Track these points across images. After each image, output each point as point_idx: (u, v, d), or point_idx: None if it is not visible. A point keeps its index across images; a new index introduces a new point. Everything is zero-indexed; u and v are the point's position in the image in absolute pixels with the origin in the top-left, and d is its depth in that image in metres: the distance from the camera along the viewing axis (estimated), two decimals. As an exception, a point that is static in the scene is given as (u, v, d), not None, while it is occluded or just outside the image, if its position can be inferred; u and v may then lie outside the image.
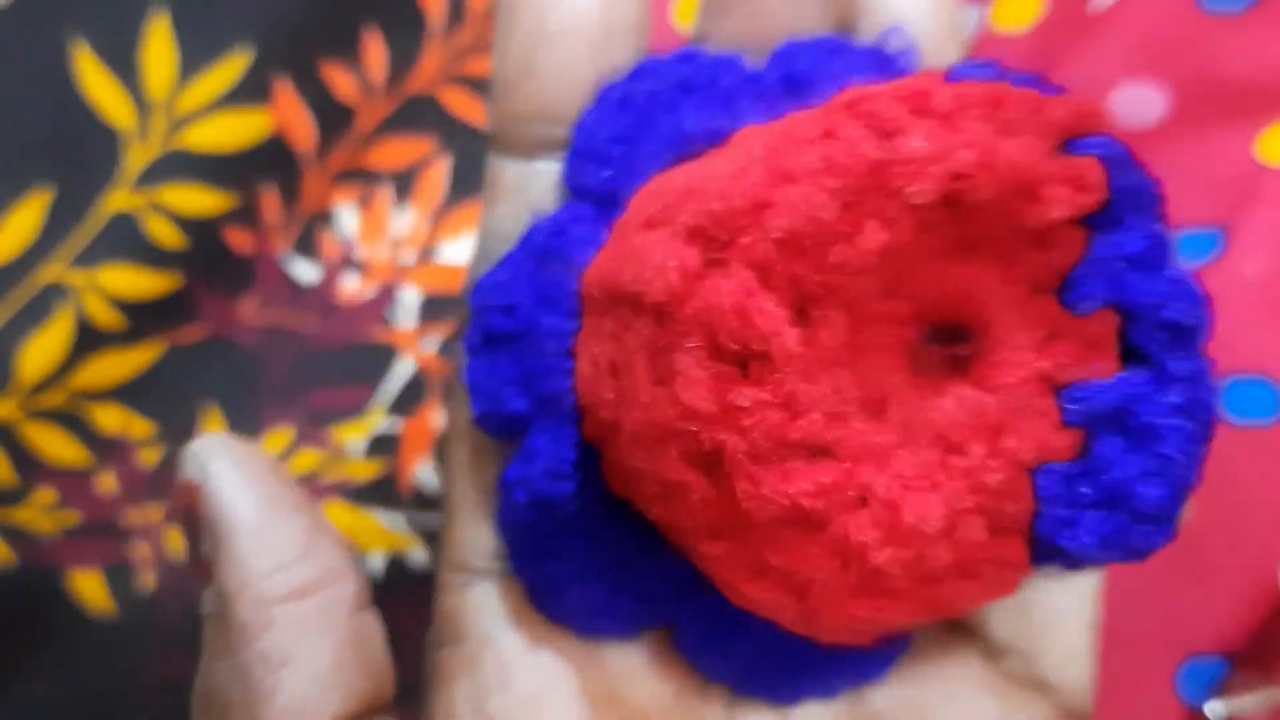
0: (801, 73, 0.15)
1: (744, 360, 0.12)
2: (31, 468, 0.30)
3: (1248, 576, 0.26)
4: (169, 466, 0.31)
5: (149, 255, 0.31)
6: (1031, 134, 0.12)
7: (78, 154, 0.31)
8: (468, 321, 0.15)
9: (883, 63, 0.15)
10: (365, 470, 0.31)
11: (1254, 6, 0.27)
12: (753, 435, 0.12)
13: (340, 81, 0.32)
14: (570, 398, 0.14)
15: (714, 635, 0.15)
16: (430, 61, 0.32)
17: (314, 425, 0.31)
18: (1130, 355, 0.13)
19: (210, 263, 0.31)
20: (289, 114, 0.31)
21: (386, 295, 0.31)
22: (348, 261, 0.32)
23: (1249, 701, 0.26)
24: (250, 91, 0.31)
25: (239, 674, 0.14)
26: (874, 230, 0.12)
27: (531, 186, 0.15)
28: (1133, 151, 0.13)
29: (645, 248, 0.13)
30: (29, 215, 0.30)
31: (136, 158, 0.31)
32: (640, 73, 0.15)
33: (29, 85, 0.31)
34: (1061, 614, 0.17)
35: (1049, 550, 0.13)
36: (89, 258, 0.30)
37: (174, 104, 0.31)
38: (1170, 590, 0.26)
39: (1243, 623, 0.26)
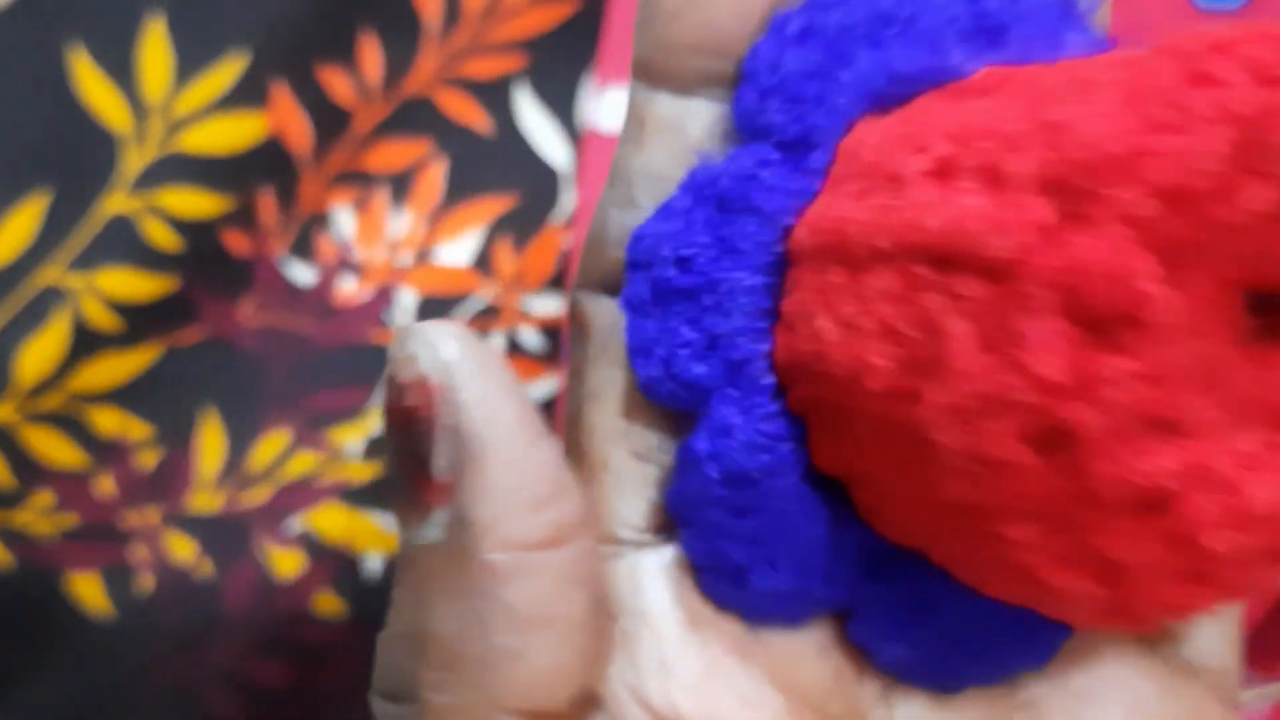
0: (994, 13, 0.14)
1: (1112, 331, 0.11)
2: (30, 470, 0.31)
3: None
4: (167, 469, 0.31)
5: (146, 258, 0.31)
6: None
7: (75, 157, 0.31)
8: (624, 273, 0.14)
9: (1066, 7, 0.14)
10: (363, 472, 0.31)
11: (1248, 5, 0.27)
12: (1116, 411, 0.11)
13: (337, 84, 0.32)
14: (765, 363, 0.13)
15: (892, 624, 0.14)
16: (426, 64, 0.32)
17: (312, 427, 0.31)
18: None
19: (208, 265, 0.31)
20: (285, 117, 0.31)
21: (384, 297, 0.32)
22: (345, 263, 0.32)
23: (1245, 697, 0.26)
24: (246, 95, 0.31)
25: (475, 623, 0.12)
26: (1257, 189, 0.11)
27: (689, 124, 0.14)
28: None
29: (959, 199, 0.12)
30: (27, 218, 0.30)
31: (134, 161, 0.31)
32: (823, 1, 0.14)
33: (26, 89, 0.31)
34: None
35: None
36: (87, 261, 0.30)
37: (171, 107, 0.31)
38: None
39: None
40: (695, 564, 0.14)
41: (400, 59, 0.32)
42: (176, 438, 0.31)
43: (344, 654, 0.31)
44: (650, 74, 0.14)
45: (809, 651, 0.14)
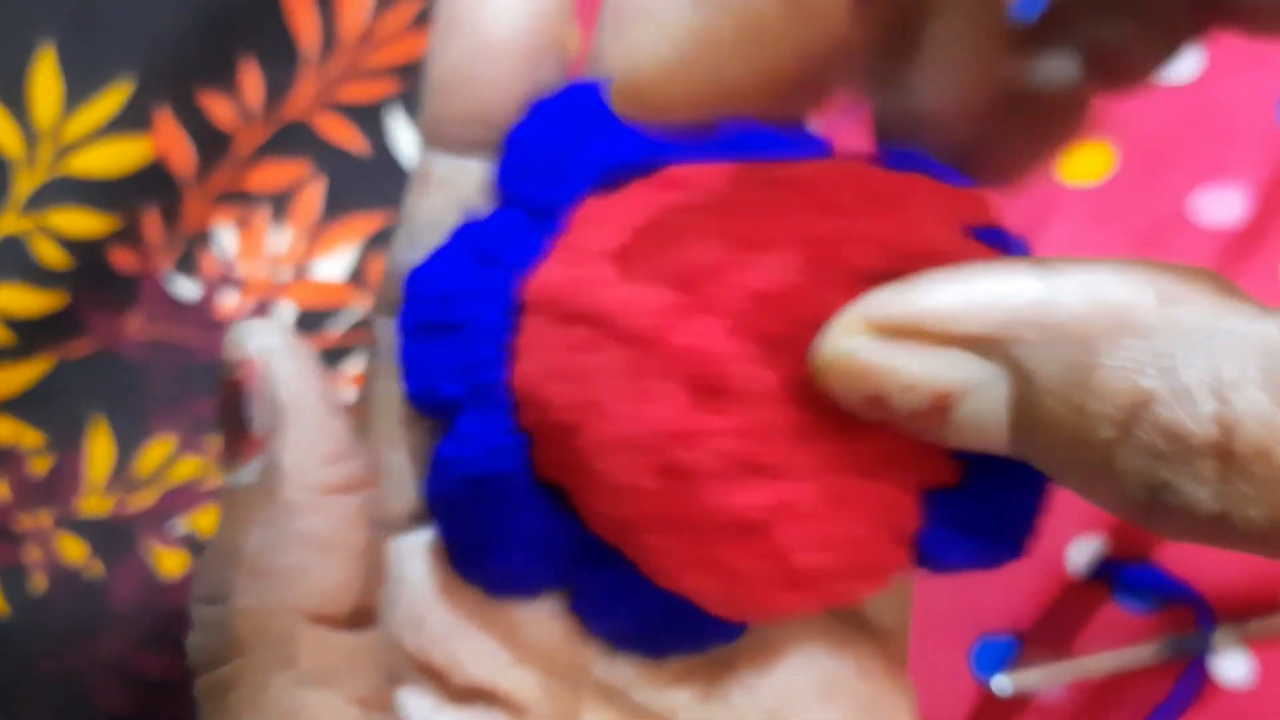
0: None
1: (712, 394, 0.14)
2: (-74, 477, 0.32)
3: (1037, 561, 0.28)
4: (59, 474, 0.33)
5: (37, 275, 0.32)
6: (942, 221, 0.15)
7: (-32, 180, 0.32)
8: (401, 303, 0.17)
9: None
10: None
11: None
12: (714, 457, 0.14)
13: (218, 109, 0.34)
14: (504, 387, 0.16)
15: (604, 603, 0.17)
16: (305, 89, 0.34)
17: (196, 433, 0.33)
18: None
19: (96, 281, 0.33)
20: (169, 140, 0.33)
21: (263, 311, 0.33)
22: (227, 279, 0.34)
23: (1034, 676, 0.28)
24: (132, 120, 0.33)
25: (278, 544, 0.15)
26: (832, 297, 0.14)
27: (460, 181, 0.17)
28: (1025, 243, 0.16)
29: (620, 283, 0.15)
30: (-79, 239, 0.32)
31: (24, 184, 0.33)
32: (573, 93, 0.17)
33: (-79, 116, 0.32)
34: None
35: (931, 563, 0.16)
36: (-22, 278, 0.32)
37: (60, 132, 0.33)
38: (962, 575, 0.28)
39: (1032, 604, 0.28)
40: (445, 544, 0.17)
41: (280, 84, 0.34)
42: (67, 444, 0.33)
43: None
44: (430, 136, 0.17)
45: (541, 617, 0.17)
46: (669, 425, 0.14)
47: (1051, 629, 0.28)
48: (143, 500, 0.33)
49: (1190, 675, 0.28)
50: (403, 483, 0.17)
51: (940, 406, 0.13)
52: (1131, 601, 0.29)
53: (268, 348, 0.16)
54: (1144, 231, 0.28)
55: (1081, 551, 0.28)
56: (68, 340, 0.33)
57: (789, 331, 0.14)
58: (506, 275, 0.16)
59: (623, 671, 0.17)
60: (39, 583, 0.33)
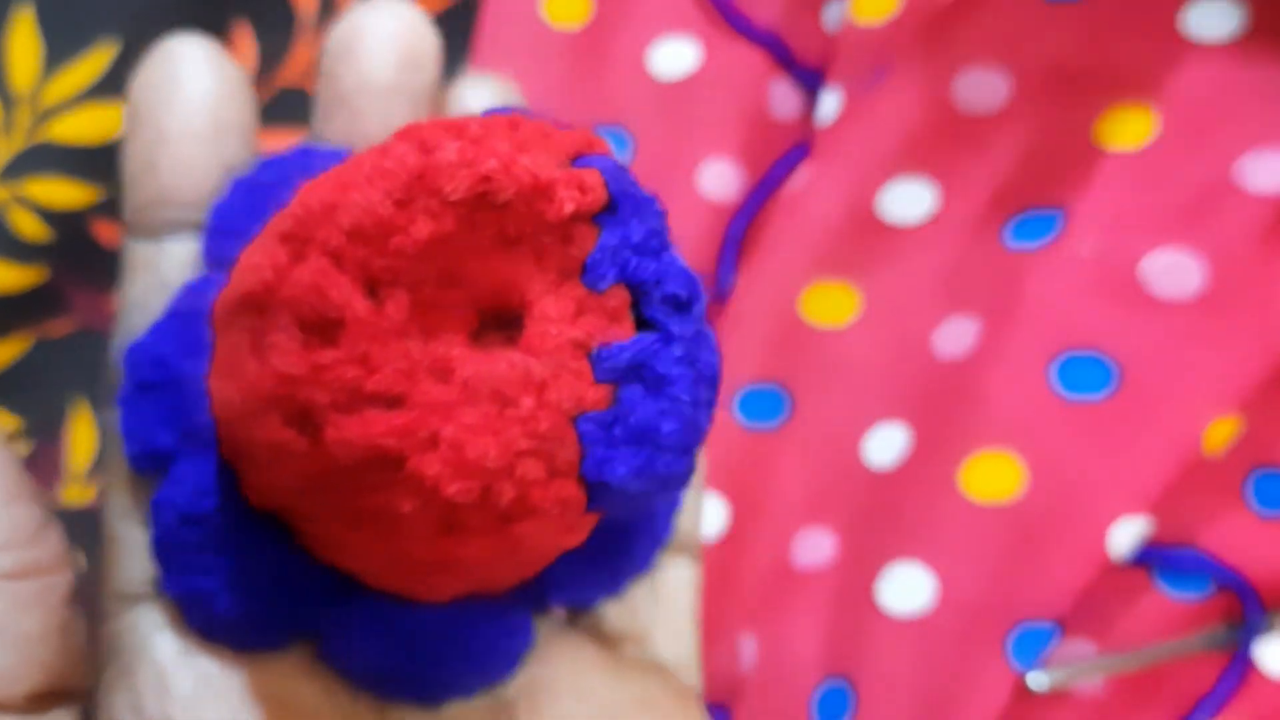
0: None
1: (325, 330, 0.14)
2: (-107, 463, 0.30)
3: (1076, 545, 0.26)
4: (37, 462, 0.31)
5: (14, 249, 0.30)
6: (544, 151, 0.15)
7: (-60, 147, 0.30)
8: (120, 381, 0.17)
9: (624, 170, 0.17)
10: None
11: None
12: (334, 389, 0.14)
13: (209, 74, 0.32)
14: (210, 431, 0.17)
15: (356, 645, 0.17)
16: (302, 55, 0.32)
17: (184, 417, 0.31)
18: (644, 324, 0.16)
19: (77, 256, 0.31)
20: (156, 107, 0.31)
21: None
22: (218, 253, 0.32)
23: (1073, 671, 0.26)
24: (117, 84, 0.31)
25: None
26: (422, 222, 0.15)
27: (161, 263, 0.18)
28: (627, 169, 0.16)
29: (247, 255, 0.16)
30: (-111, 209, 0.30)
31: (1, 151, 0.31)
32: (264, 166, 0.18)
33: (-110, 79, 0.30)
34: (665, 605, 0.19)
35: (598, 487, 0.15)
36: (-49, 251, 0.30)
37: (39, 97, 0.31)
38: (1001, 559, 0.27)
39: (1071, 590, 0.26)
40: (175, 599, 0.17)
41: (275, 49, 0.32)
42: (47, 430, 0.31)
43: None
44: (130, 226, 0.18)
45: (294, 671, 0.17)
46: (287, 369, 0.14)
47: (1092, 616, 0.27)
48: (127, 488, 0.31)
49: (1235, 666, 0.27)
50: (137, 553, 0.17)
51: None
52: (1176, 587, 0.28)
53: None
54: (1189, 198, 0.27)
55: (1124, 534, 0.27)
56: (47, 318, 0.31)
57: (392, 262, 0.15)
58: (207, 328, 0.17)
59: None
60: (15, 576, 0.31)
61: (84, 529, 0.31)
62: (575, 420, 0.15)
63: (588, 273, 0.15)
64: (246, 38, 0.32)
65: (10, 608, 0.15)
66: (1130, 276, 0.27)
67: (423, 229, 0.14)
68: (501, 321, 0.16)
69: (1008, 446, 0.28)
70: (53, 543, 0.16)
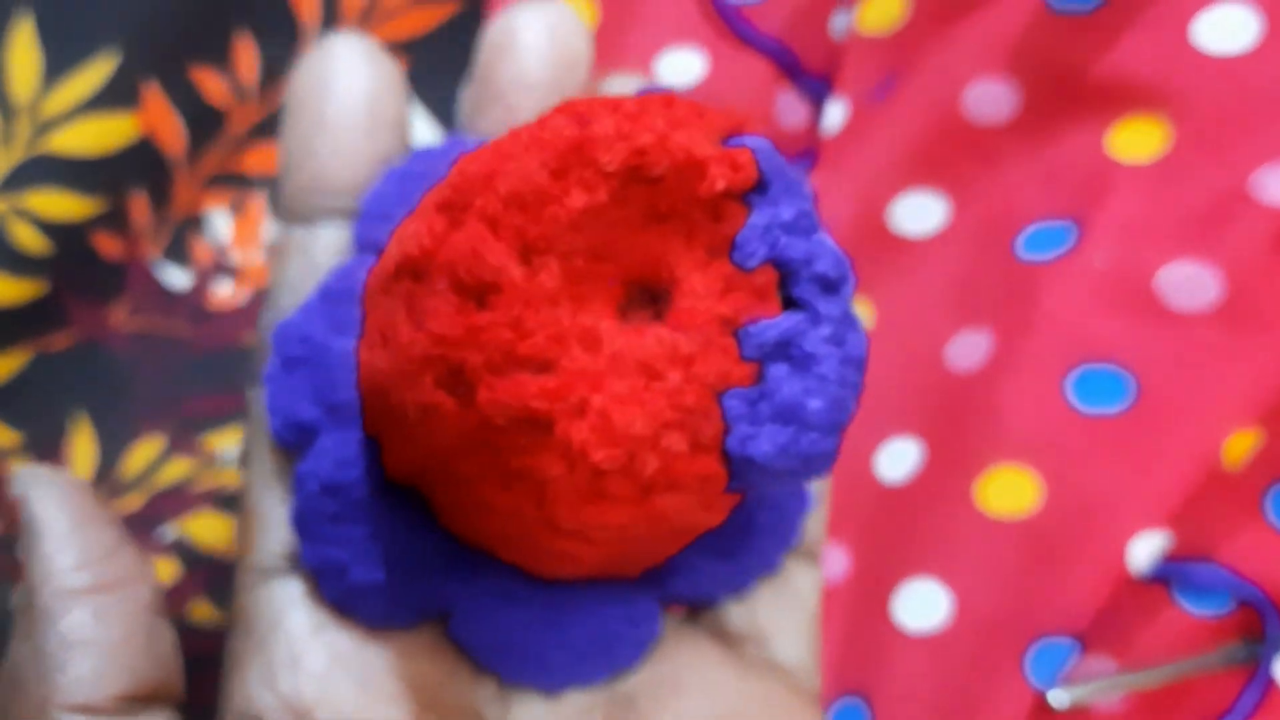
0: None
1: (481, 294, 0.15)
2: (-110, 480, 0.30)
3: (1095, 560, 0.26)
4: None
5: (14, 261, 0.30)
6: (698, 129, 0.15)
7: (-62, 159, 0.30)
8: (266, 359, 0.18)
9: (775, 151, 0.17)
10: (238, 477, 0.30)
11: (1102, 6, 0.28)
12: (489, 351, 0.14)
13: (210, 85, 0.31)
14: (354, 406, 0.17)
15: (484, 623, 0.17)
16: (304, 65, 0.32)
17: (186, 433, 0.31)
18: (791, 304, 0.16)
19: (78, 269, 0.31)
20: (158, 118, 0.31)
21: (259, 301, 0.31)
22: (220, 267, 0.31)
23: (1091, 689, 0.26)
24: (118, 95, 0.31)
25: (37, 654, 0.16)
26: (577, 192, 0.15)
27: (314, 247, 0.18)
28: (779, 147, 0.16)
29: (405, 225, 0.16)
30: (-114, 222, 0.30)
31: (0, 163, 0.30)
32: (416, 157, 0.19)
33: (-113, 90, 0.30)
34: (787, 608, 0.19)
35: (740, 463, 0.15)
36: (-50, 264, 0.30)
37: (38, 108, 0.31)
38: (1020, 573, 0.26)
39: (1090, 605, 0.26)
40: (312, 570, 0.17)
41: (277, 60, 0.32)
42: (46, 445, 0.31)
43: (220, 662, 0.30)
44: (284, 212, 0.19)
45: (421, 650, 0.17)
46: (443, 330, 0.15)
47: (1110, 632, 0.27)
48: (129, 504, 0.30)
49: (1256, 683, 0.27)
50: (276, 528, 0.18)
51: None
52: (1195, 603, 0.27)
53: (31, 486, 0.17)
54: (1204, 210, 0.27)
55: (1143, 548, 0.26)
56: (47, 332, 0.31)
57: (546, 231, 0.15)
58: (355, 307, 0.17)
59: (522, 710, 0.17)
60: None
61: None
62: (721, 396, 0.15)
63: (737, 250, 0.15)
64: (248, 49, 0.32)
65: (91, 620, 0.16)
66: (1146, 289, 0.27)
67: (577, 199, 0.15)
68: (650, 296, 0.16)
69: (1024, 461, 0.27)
70: (127, 559, 0.17)
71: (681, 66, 0.33)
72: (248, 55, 0.32)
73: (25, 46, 0.31)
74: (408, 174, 0.18)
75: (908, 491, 0.28)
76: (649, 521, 0.15)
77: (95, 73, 0.31)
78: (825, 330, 0.15)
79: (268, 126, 0.32)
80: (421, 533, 0.17)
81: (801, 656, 0.19)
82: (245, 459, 0.19)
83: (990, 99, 0.29)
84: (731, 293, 0.15)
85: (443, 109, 0.32)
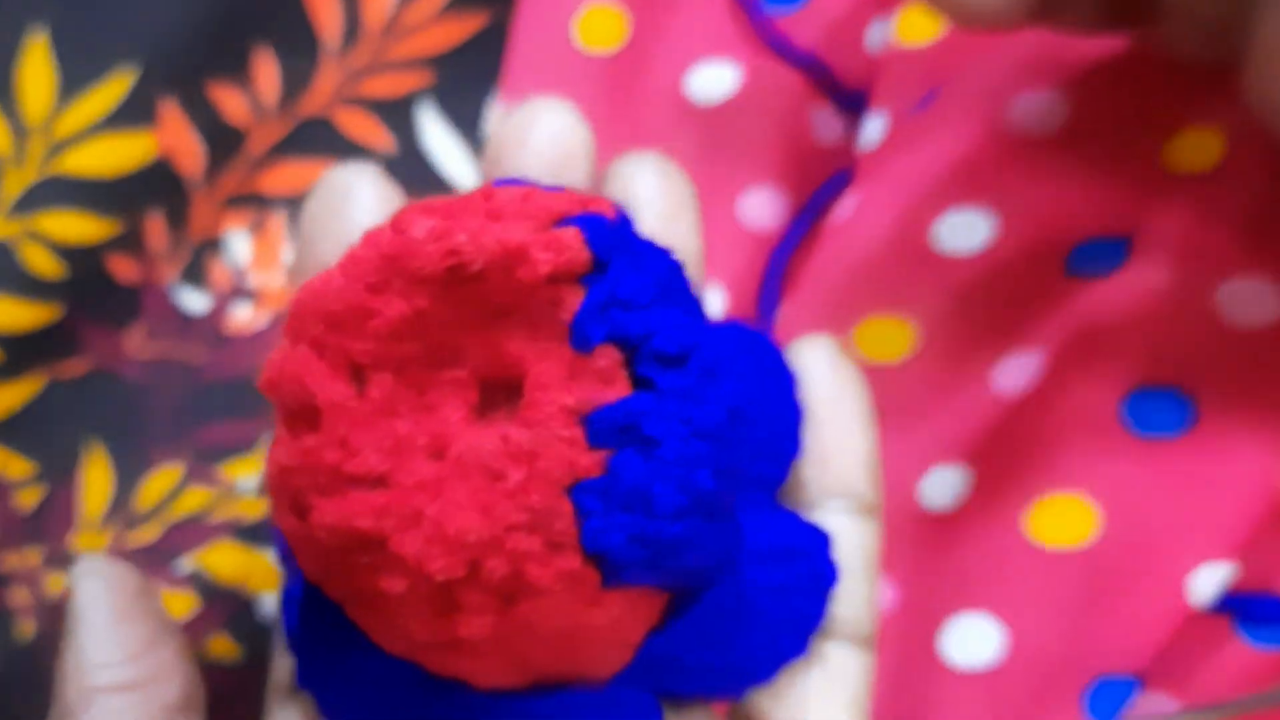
0: None
1: (308, 417, 0.15)
2: (-101, 512, 0.29)
3: (1155, 593, 0.25)
4: (50, 508, 0.30)
5: (26, 285, 0.29)
6: (520, 217, 0.15)
7: (-50, 181, 0.29)
8: None
9: (619, 227, 0.16)
10: (257, 508, 0.29)
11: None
12: (315, 473, 0.14)
13: (230, 103, 0.31)
14: None
15: None
16: (325, 83, 0.31)
17: (204, 462, 0.30)
18: (641, 383, 0.15)
19: (93, 293, 0.30)
20: (175, 137, 0.30)
21: (279, 325, 0.30)
22: (239, 290, 0.30)
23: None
24: (134, 113, 0.30)
25: None
26: (396, 303, 0.15)
27: None
28: (627, 219, 0.16)
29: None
30: (-104, 245, 0.29)
31: (12, 184, 0.29)
32: None
33: (-102, 110, 0.29)
34: (828, 700, 0.18)
35: (601, 560, 0.14)
36: (-39, 289, 0.29)
37: (52, 127, 0.30)
38: (1078, 608, 0.25)
39: (1151, 640, 0.25)
40: (307, 690, 0.18)
41: (298, 76, 0.31)
42: (60, 475, 0.30)
43: (240, 700, 0.29)
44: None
45: None
46: (279, 458, 0.15)
47: (1171, 668, 0.25)
48: (144, 536, 0.29)
49: (1323, 719, 0.25)
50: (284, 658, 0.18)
51: None
52: (1258, 638, 0.26)
53: (81, 578, 0.18)
54: (1265, 223, 0.26)
55: (1206, 580, 0.25)
56: (61, 358, 0.30)
57: (371, 346, 0.15)
58: None
59: None
60: (26, 629, 0.29)
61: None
62: (570, 490, 0.14)
63: (575, 334, 0.15)
64: (268, 65, 0.31)
65: (115, 716, 0.17)
66: (1205, 306, 0.26)
67: (394, 309, 0.15)
68: (510, 393, 0.15)
69: (1078, 489, 0.26)
70: (161, 655, 0.18)
71: (714, 80, 0.32)
72: (268, 71, 0.31)
73: (39, 63, 0.30)
74: None
75: (954, 521, 0.27)
76: (522, 630, 0.15)
77: (111, 90, 0.30)
78: (669, 407, 0.15)
79: (288, 145, 0.31)
80: (371, 658, 0.17)
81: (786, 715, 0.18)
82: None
83: (1038, 110, 0.28)
84: (576, 379, 0.15)
85: (468, 125, 0.31)
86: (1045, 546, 0.26)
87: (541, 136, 0.19)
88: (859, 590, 0.19)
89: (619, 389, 0.15)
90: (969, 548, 0.27)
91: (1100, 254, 0.28)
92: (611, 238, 0.15)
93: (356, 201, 0.19)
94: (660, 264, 0.16)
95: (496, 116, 0.31)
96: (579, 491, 0.14)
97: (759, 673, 0.18)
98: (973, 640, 0.26)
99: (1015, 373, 0.28)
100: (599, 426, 0.15)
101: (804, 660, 0.18)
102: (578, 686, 0.17)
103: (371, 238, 0.15)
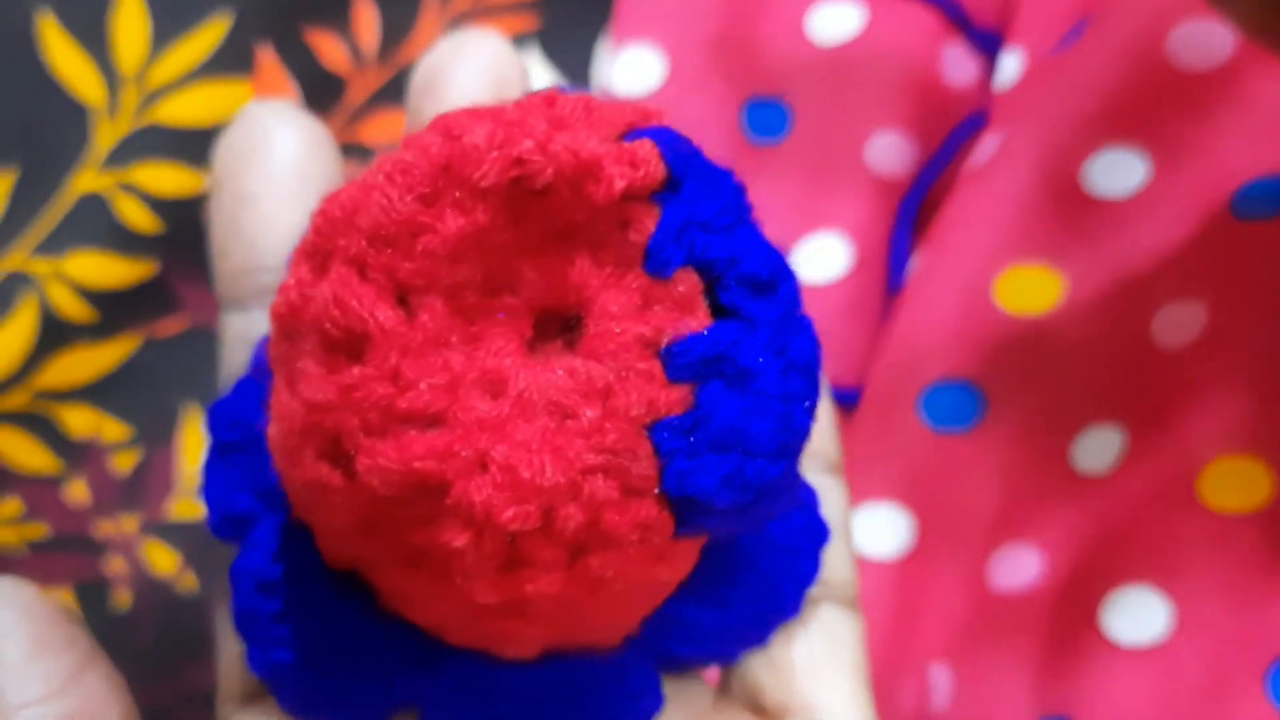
0: None
1: (352, 348, 0.13)
2: (-6, 475, 0.28)
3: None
4: (146, 472, 0.29)
5: (120, 240, 0.28)
6: (587, 127, 0.13)
7: (43, 132, 0.28)
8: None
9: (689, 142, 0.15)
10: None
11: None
12: (364, 410, 0.12)
13: (328, 49, 0.29)
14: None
15: (459, 713, 0.15)
16: (426, 28, 0.30)
17: (304, 423, 0.28)
18: (721, 312, 0.14)
19: (189, 248, 0.29)
20: (272, 84, 0.29)
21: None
22: (338, 244, 0.29)
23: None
24: (229, 61, 0.29)
25: None
26: (451, 217, 0.13)
27: (255, 333, 0.17)
28: (687, 136, 0.14)
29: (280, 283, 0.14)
30: (-11, 199, 0.28)
31: (105, 135, 0.28)
32: None
33: (-10, 60, 0.28)
34: (826, 666, 0.17)
35: (682, 505, 0.13)
36: (54, 244, 0.28)
37: (146, 76, 0.29)
38: (1253, 580, 0.23)
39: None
40: (262, 678, 0.15)
41: (398, 22, 0.30)
42: (156, 438, 0.29)
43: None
44: (223, 300, 0.17)
45: None
46: (314, 396, 0.13)
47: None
48: (243, 501, 0.28)
49: None
50: (234, 656, 0.16)
51: None
52: None
53: None
54: None
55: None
56: (156, 317, 0.29)
57: (422, 266, 0.13)
58: None
59: None
60: (122, 598, 0.28)
61: (199, 547, 0.28)
62: (650, 429, 0.13)
63: (650, 259, 0.14)
64: (368, 10, 0.29)
65: None
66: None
67: (452, 225, 0.13)
68: (563, 324, 0.14)
69: (1252, 450, 0.24)
70: (91, 688, 0.16)
71: (837, 19, 0.30)
72: (368, 17, 0.29)
73: (132, 11, 0.29)
74: None
75: (1111, 485, 0.25)
76: (586, 587, 0.13)
77: (206, 37, 0.29)
78: (762, 338, 0.13)
79: (389, 93, 0.29)
80: (372, 623, 0.15)
81: (783, 693, 0.17)
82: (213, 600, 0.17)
83: (1200, 41, 0.26)
84: (650, 308, 0.14)
85: (575, 70, 0.29)
86: (1218, 512, 0.24)
87: (468, 68, 0.17)
88: (842, 550, 0.18)
89: (699, 318, 0.14)
90: (1130, 514, 0.24)
91: (1267, 195, 0.25)
92: (686, 153, 0.14)
93: (273, 135, 0.17)
94: (728, 183, 0.14)
95: (600, 61, 0.30)
96: (658, 430, 0.13)
97: (756, 633, 0.17)
98: (1137, 615, 0.24)
99: (1176, 324, 0.25)
100: (680, 359, 0.13)
101: (797, 622, 0.17)
102: (586, 655, 0.15)
103: (417, 144, 0.13)
